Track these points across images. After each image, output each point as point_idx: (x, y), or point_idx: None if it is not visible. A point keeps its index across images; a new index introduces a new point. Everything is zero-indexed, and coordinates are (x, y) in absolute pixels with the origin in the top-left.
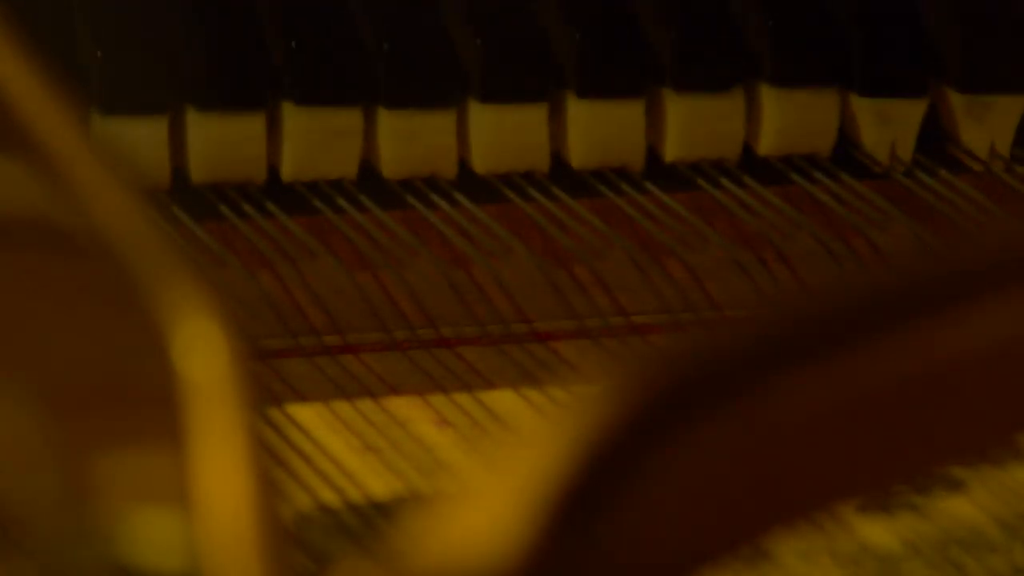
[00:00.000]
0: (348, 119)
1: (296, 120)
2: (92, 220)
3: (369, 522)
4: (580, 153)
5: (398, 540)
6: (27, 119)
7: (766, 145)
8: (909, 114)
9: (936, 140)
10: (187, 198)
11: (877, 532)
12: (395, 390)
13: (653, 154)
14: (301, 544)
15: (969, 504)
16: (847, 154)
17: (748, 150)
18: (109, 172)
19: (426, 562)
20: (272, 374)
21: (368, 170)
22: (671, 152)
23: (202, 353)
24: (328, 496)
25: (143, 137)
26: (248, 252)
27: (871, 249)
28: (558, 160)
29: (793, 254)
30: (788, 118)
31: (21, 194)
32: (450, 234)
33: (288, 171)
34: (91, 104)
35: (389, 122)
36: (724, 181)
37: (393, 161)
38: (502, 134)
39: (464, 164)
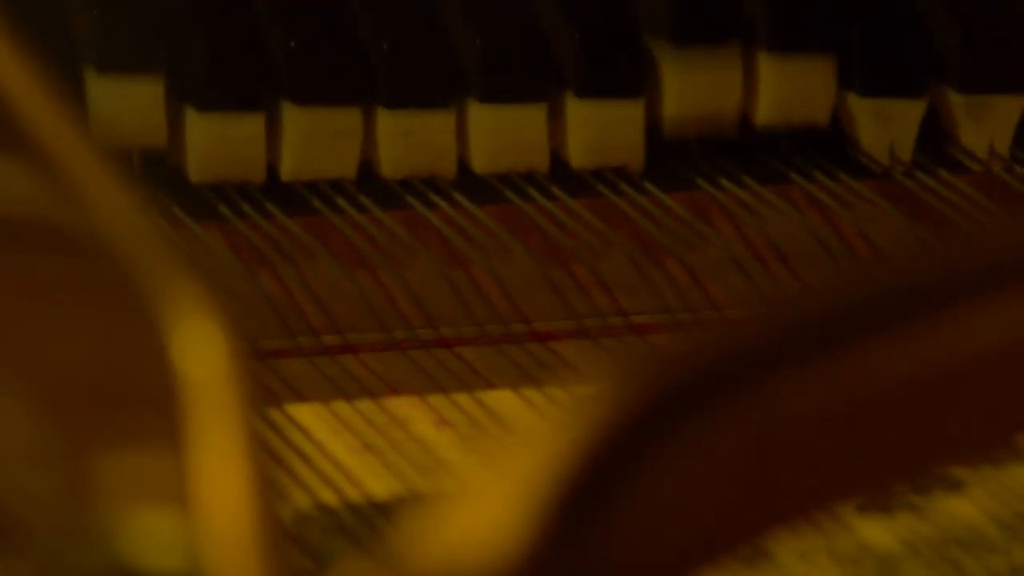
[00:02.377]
0: (348, 119)
1: (295, 120)
2: (92, 220)
3: (368, 522)
4: (579, 153)
5: (397, 540)
6: (27, 119)
7: (764, 114)
8: (908, 114)
9: (936, 140)
10: (187, 198)
11: (876, 532)
12: (394, 390)
13: (654, 154)
14: (300, 544)
15: (968, 504)
16: (847, 154)
17: (749, 148)
18: (109, 172)
19: (425, 562)
20: (271, 374)
21: (368, 170)
22: (666, 127)
23: (201, 353)
24: (327, 496)
25: (139, 96)
26: (248, 252)
27: (871, 249)
28: (557, 160)
29: (792, 254)
30: (785, 86)
31: (21, 194)
32: (449, 234)
33: (288, 171)
34: (85, 63)
35: (388, 122)
36: (724, 181)
37: (392, 161)
38: (501, 134)
39: (464, 164)
